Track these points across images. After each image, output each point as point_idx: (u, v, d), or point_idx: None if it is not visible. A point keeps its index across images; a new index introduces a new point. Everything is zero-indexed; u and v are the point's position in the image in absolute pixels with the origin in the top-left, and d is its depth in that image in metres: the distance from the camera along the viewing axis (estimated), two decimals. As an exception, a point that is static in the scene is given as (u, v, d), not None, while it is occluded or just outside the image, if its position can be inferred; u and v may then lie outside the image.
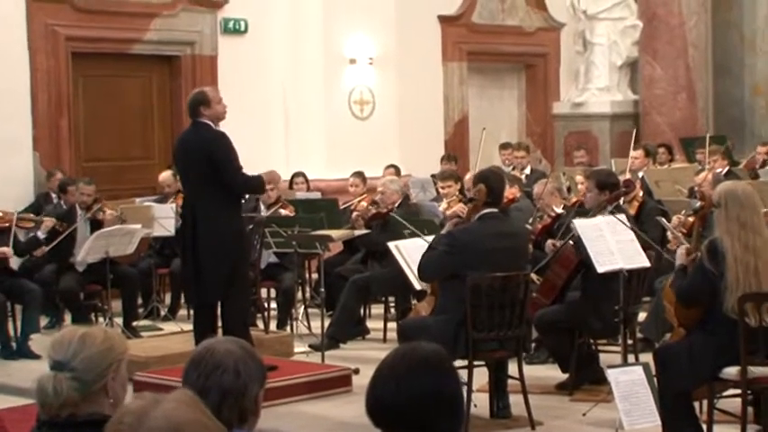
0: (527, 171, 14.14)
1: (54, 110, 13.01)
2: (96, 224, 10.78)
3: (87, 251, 10.36)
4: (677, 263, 6.89)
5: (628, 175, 11.94)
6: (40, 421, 3.37)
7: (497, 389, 7.73)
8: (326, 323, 10.06)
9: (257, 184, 8.96)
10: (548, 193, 10.17)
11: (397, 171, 13.34)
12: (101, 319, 10.85)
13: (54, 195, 12.04)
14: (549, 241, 9.08)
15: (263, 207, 11.14)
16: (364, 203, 11.36)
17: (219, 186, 8.42)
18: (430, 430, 2.88)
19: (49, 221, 10.53)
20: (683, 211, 9.71)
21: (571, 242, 8.27)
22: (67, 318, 10.92)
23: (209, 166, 8.39)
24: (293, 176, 13.06)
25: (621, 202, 9.28)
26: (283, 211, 11.09)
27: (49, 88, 12.99)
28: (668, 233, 9.41)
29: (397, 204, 10.95)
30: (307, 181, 13.25)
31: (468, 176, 10.71)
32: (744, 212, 6.28)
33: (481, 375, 7.66)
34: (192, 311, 11.53)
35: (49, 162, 12.84)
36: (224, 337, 3.40)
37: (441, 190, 11.74)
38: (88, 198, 10.87)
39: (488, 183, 7.53)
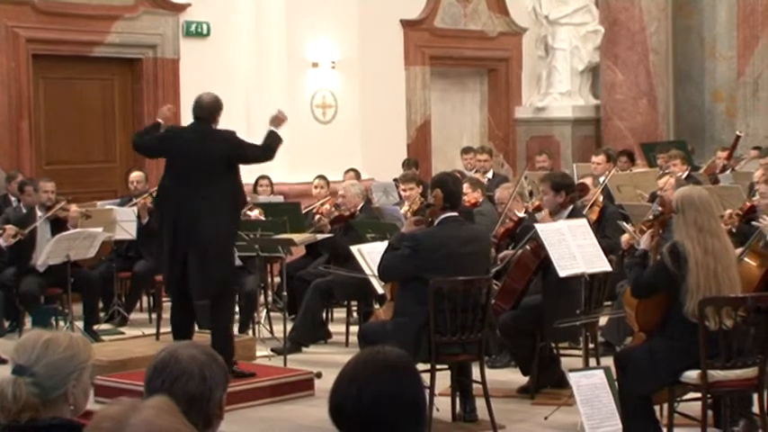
0: (489, 175, 14.12)
1: (14, 112, 12.92)
2: (58, 223, 10.70)
3: (48, 254, 10.30)
4: (640, 247, 6.93)
5: (584, 180, 11.94)
6: (1, 426, 3.34)
7: (463, 393, 7.75)
8: (289, 327, 10.06)
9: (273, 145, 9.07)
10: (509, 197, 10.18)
11: (357, 175, 13.32)
12: (61, 323, 10.78)
13: (13, 198, 11.94)
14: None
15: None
16: (327, 206, 11.35)
17: (228, 186, 8.46)
18: (392, 434, 2.89)
19: (11, 230, 10.46)
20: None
21: (528, 247, 8.28)
22: (28, 321, 10.84)
23: (224, 166, 8.43)
24: (258, 179, 13.02)
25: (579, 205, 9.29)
26: (252, 214, 11.04)
27: (10, 90, 12.90)
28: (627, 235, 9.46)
29: (359, 208, 10.97)
30: (271, 184, 13.21)
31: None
32: (701, 217, 6.33)
33: (443, 379, 7.67)
34: (153, 315, 11.53)
35: (9, 164, 12.75)
36: (185, 341, 3.39)
37: (402, 193, 11.74)
38: (53, 195, 10.79)
39: (445, 187, 7.54)
